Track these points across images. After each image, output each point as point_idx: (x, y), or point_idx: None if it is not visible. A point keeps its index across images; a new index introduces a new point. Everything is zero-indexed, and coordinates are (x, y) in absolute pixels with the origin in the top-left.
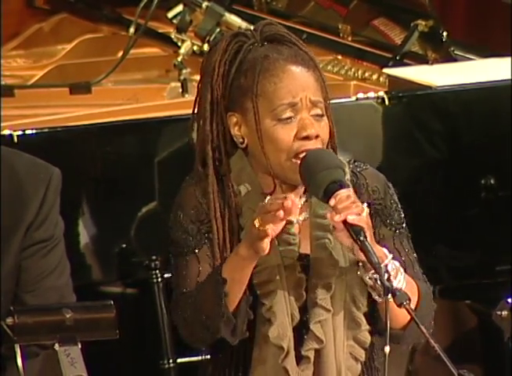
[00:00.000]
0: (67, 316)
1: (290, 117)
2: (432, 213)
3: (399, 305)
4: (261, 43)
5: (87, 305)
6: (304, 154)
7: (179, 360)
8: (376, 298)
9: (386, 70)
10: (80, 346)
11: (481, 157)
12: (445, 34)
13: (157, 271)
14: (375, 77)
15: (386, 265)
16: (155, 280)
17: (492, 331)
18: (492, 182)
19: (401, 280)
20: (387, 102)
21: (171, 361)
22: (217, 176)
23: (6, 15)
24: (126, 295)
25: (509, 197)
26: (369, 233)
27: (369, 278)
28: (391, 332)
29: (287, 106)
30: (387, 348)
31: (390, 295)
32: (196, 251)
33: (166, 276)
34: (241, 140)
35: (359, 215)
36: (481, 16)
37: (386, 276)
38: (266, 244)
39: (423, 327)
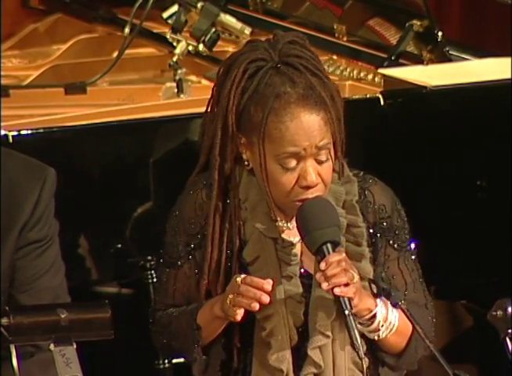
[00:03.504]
0: (62, 316)
1: (293, 167)
2: (428, 213)
3: (394, 305)
4: (278, 65)
5: (82, 305)
6: (301, 204)
7: (174, 361)
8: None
9: (381, 70)
10: (75, 346)
11: (477, 157)
12: (440, 34)
13: (152, 271)
14: (370, 77)
15: (375, 314)
16: (150, 281)
17: (488, 331)
18: (489, 182)
19: (391, 323)
20: (382, 102)
21: (166, 361)
22: (222, 190)
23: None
24: (121, 295)
25: (506, 197)
26: (357, 297)
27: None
28: (386, 359)
29: (290, 155)
30: None
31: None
32: (178, 265)
33: None
34: (246, 163)
35: (348, 284)
36: (475, 16)
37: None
38: (239, 315)
39: (418, 327)
